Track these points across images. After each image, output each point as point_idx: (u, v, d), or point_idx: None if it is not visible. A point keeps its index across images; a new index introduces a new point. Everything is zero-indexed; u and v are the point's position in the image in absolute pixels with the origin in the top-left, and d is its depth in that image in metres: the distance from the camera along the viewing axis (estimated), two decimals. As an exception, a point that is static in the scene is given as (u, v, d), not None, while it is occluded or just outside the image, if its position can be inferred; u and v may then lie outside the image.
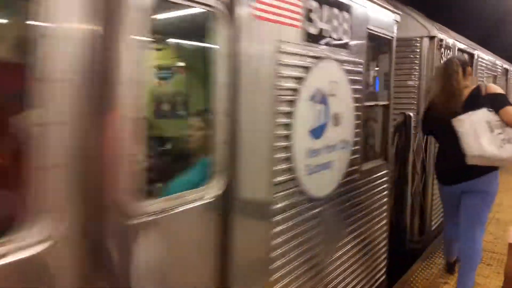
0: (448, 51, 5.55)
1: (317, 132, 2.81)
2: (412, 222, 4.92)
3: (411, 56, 5.09)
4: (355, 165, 3.35)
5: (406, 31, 5.12)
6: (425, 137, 5.00)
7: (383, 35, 3.83)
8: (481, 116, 3.38)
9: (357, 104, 3.35)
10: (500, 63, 9.77)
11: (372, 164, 3.73)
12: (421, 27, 5.09)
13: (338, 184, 3.08)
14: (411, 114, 4.69)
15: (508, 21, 14.99)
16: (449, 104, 3.59)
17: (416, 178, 4.84)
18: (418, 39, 5.09)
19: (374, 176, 3.75)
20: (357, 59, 3.28)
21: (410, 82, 5.05)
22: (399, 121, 4.62)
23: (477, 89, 3.67)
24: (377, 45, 4.07)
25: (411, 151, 4.65)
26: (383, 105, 4.00)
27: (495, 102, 3.45)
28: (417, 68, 5.08)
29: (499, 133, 3.33)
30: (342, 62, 3.06)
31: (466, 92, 3.66)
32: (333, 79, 2.98)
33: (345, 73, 3.10)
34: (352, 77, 3.20)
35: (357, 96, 3.31)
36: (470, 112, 3.43)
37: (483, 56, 7.72)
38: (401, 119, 4.63)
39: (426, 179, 5.10)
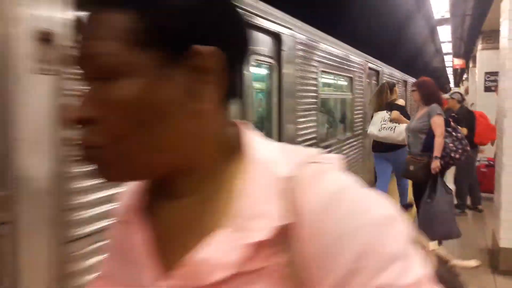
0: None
1: None
2: None
3: None
4: None
5: None
6: None
7: None
8: (382, 114, 5.68)
9: None
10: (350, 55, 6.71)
11: None
12: None
13: None
14: None
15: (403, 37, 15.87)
16: (378, 109, 5.84)
17: None
18: None
19: None
20: None
21: None
22: None
23: (394, 100, 5.81)
24: None
25: None
26: None
27: (392, 107, 5.64)
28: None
29: (384, 124, 5.60)
30: None
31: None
32: None
33: None
34: None
35: None
36: (378, 112, 5.79)
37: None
38: None
39: None
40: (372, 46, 9.97)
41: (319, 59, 4.71)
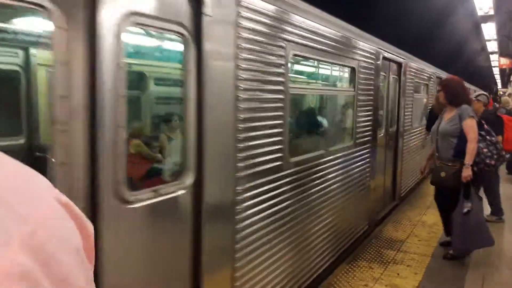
0: None
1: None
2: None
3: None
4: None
5: None
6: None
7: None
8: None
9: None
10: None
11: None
12: None
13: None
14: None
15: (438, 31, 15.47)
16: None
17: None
18: None
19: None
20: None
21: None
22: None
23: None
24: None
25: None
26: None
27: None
28: None
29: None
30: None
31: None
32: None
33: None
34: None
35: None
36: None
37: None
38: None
39: None
40: (403, 39, 8.82)
41: (290, 38, 3.22)
